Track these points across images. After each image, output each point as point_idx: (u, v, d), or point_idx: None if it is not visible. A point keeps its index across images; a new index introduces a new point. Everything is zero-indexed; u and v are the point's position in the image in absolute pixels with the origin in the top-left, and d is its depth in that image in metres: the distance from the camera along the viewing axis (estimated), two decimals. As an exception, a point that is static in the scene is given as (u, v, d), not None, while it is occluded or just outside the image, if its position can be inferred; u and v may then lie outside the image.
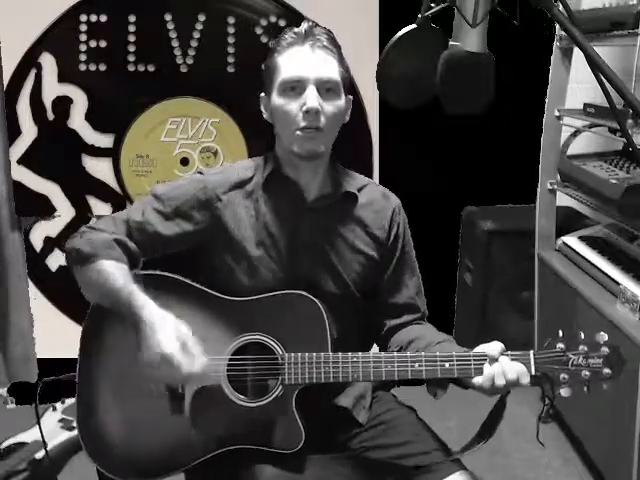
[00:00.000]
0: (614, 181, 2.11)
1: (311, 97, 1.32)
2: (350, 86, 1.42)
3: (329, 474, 1.34)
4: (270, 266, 1.40)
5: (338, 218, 1.45)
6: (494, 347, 1.27)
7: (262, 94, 1.42)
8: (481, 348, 1.28)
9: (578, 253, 2.36)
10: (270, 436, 1.29)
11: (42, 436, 1.57)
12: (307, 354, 1.29)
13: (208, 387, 1.30)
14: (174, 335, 1.23)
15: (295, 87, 1.33)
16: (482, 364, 1.25)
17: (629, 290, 1.97)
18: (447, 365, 1.26)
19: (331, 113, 1.35)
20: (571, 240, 2.44)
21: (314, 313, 1.32)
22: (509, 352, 1.27)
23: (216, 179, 1.44)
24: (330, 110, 1.34)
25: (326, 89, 1.34)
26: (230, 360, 1.32)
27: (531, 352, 1.26)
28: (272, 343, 1.32)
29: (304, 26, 1.36)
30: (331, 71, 1.35)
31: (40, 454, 2.23)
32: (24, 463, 2.21)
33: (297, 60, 1.34)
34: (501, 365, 1.24)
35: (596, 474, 2.26)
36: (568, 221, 2.62)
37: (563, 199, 2.55)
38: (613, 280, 2.11)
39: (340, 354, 1.29)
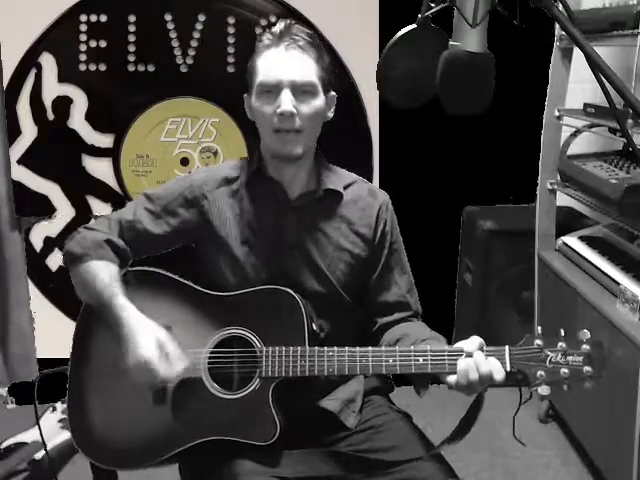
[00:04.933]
0: (614, 181, 2.11)
1: (285, 101, 1.33)
2: (331, 83, 1.42)
3: (308, 469, 1.34)
4: (254, 264, 1.42)
5: (322, 216, 1.45)
6: (472, 343, 1.26)
7: (245, 94, 1.44)
8: (459, 344, 1.27)
9: (578, 253, 2.36)
10: (245, 428, 1.30)
11: (40, 432, 1.58)
12: (284, 348, 1.31)
13: (189, 379, 1.33)
14: (153, 340, 1.28)
15: (271, 90, 1.34)
16: (456, 360, 1.24)
17: (629, 290, 1.97)
18: (421, 360, 1.26)
19: (308, 114, 1.35)
20: (571, 240, 2.44)
21: (292, 307, 1.34)
22: (484, 347, 1.25)
23: (202, 177, 1.47)
24: (306, 111, 1.35)
25: (302, 90, 1.34)
26: (211, 353, 1.35)
27: (506, 347, 1.24)
28: (251, 337, 1.34)
29: (280, 26, 1.37)
30: (306, 72, 1.35)
31: (40, 454, 2.23)
32: (24, 463, 2.22)
33: (272, 63, 1.35)
34: (474, 360, 1.22)
35: (596, 474, 2.26)
36: (568, 221, 2.62)
37: (563, 199, 2.55)
38: (613, 280, 2.11)
39: (316, 348, 1.30)
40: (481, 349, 1.25)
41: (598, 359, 1.21)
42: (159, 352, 1.27)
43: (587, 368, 1.21)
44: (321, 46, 1.40)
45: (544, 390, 1.22)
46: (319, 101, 1.38)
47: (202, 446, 1.31)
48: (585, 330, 1.23)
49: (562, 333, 1.24)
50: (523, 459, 2.41)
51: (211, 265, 1.45)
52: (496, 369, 1.22)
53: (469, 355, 1.24)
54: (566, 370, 1.22)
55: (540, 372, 1.22)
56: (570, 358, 1.22)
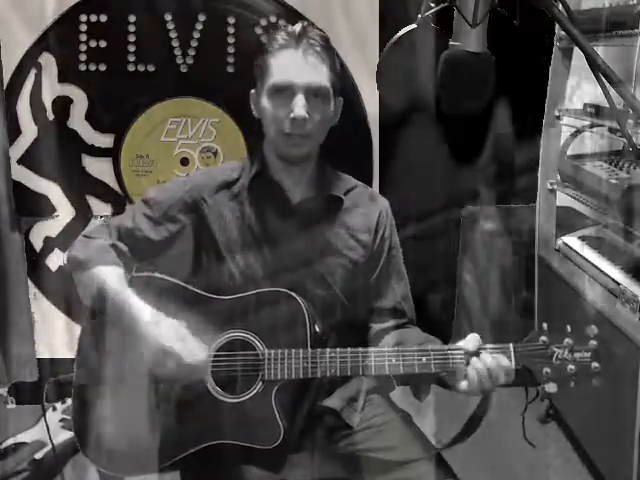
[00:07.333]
0: (614, 181, 2.11)
1: (299, 105, 1.32)
2: (342, 87, 1.42)
3: (313, 471, 1.34)
4: (255, 268, 1.42)
5: (322, 221, 1.45)
6: (471, 341, 1.25)
7: (252, 91, 1.43)
8: (458, 344, 1.26)
9: (578, 253, 2.35)
10: (250, 432, 1.30)
11: (48, 432, 1.59)
12: (286, 350, 1.30)
13: (193, 383, 1.32)
14: (171, 332, 1.28)
15: (284, 92, 1.34)
16: (459, 358, 1.24)
17: (629, 290, 1.97)
18: (424, 360, 1.26)
19: (319, 119, 1.36)
20: (571, 240, 2.44)
21: (294, 309, 1.34)
22: (488, 345, 1.25)
23: (201, 181, 1.46)
24: (318, 117, 1.35)
25: (315, 95, 1.34)
26: (214, 357, 1.34)
27: (511, 344, 1.24)
28: (254, 340, 1.33)
29: (298, 27, 1.36)
30: (321, 78, 1.35)
31: (40, 454, 2.23)
32: (24, 463, 2.21)
33: (288, 65, 1.34)
34: (483, 364, 1.21)
35: (596, 474, 2.26)
36: (568, 221, 2.62)
37: (563, 199, 2.55)
38: (613, 280, 2.10)
39: (319, 350, 1.30)
40: (480, 347, 1.24)
41: (606, 355, 1.20)
42: (180, 341, 1.27)
43: (595, 364, 1.20)
44: (334, 50, 1.40)
45: (551, 387, 1.21)
46: (330, 107, 1.38)
47: (206, 452, 1.31)
48: (592, 326, 1.22)
49: (568, 329, 1.23)
50: (523, 459, 2.41)
51: (212, 269, 1.44)
52: (507, 370, 1.21)
53: (474, 354, 1.23)
54: (573, 367, 1.21)
55: (546, 369, 1.21)
56: (577, 354, 1.21)
